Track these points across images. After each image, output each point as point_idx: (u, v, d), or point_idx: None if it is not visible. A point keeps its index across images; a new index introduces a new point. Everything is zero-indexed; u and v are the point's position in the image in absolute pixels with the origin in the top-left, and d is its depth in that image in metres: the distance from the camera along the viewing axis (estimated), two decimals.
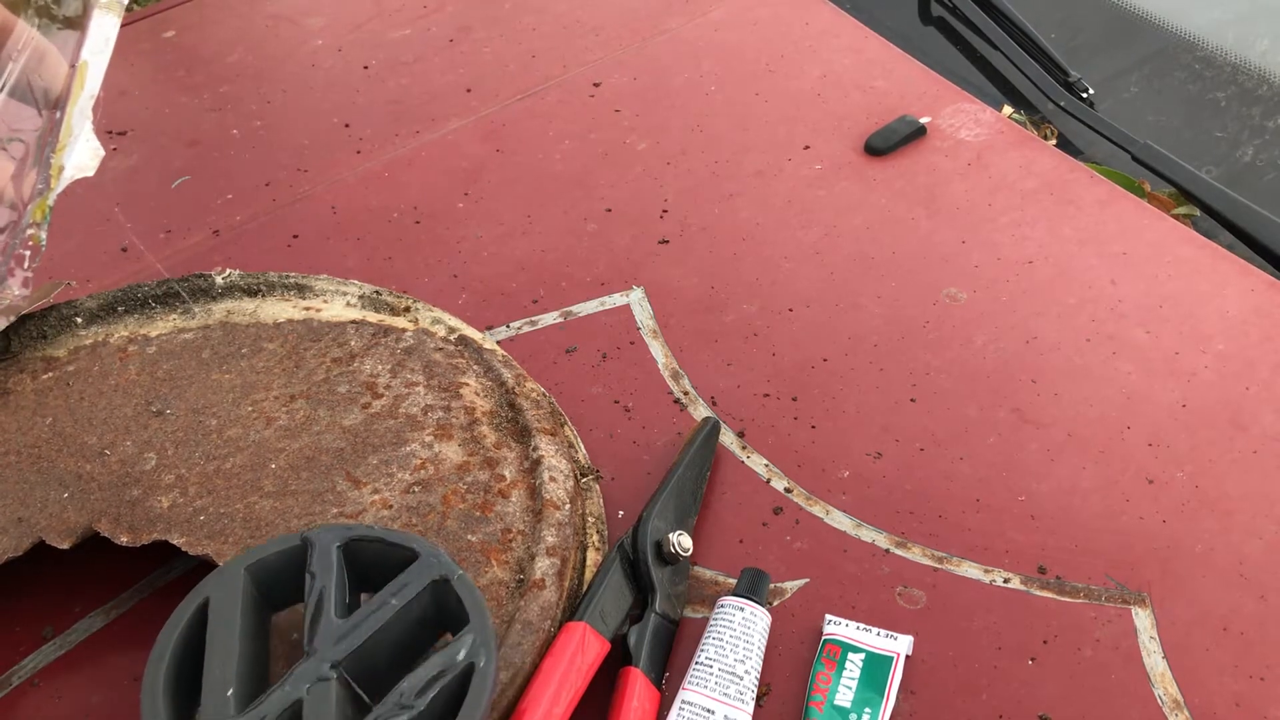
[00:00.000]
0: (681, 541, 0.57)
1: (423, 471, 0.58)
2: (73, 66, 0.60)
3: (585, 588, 0.56)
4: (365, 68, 0.95)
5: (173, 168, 0.86)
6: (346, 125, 0.89)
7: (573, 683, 0.50)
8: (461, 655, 0.45)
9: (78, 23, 0.61)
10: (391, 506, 0.56)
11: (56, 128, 0.60)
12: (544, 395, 0.63)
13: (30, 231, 0.61)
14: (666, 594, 0.56)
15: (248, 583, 0.48)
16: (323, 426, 0.60)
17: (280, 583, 0.49)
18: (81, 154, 0.62)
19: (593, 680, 0.52)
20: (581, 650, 0.52)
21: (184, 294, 0.68)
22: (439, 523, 0.55)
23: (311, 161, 0.86)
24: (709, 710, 0.51)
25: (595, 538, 0.59)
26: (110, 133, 0.90)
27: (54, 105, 0.60)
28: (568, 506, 0.56)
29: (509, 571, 0.54)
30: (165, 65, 0.97)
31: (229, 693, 0.44)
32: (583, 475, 0.62)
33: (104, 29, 0.61)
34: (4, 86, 0.58)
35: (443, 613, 0.48)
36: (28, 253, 0.61)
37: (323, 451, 0.59)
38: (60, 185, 0.61)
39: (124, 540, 0.55)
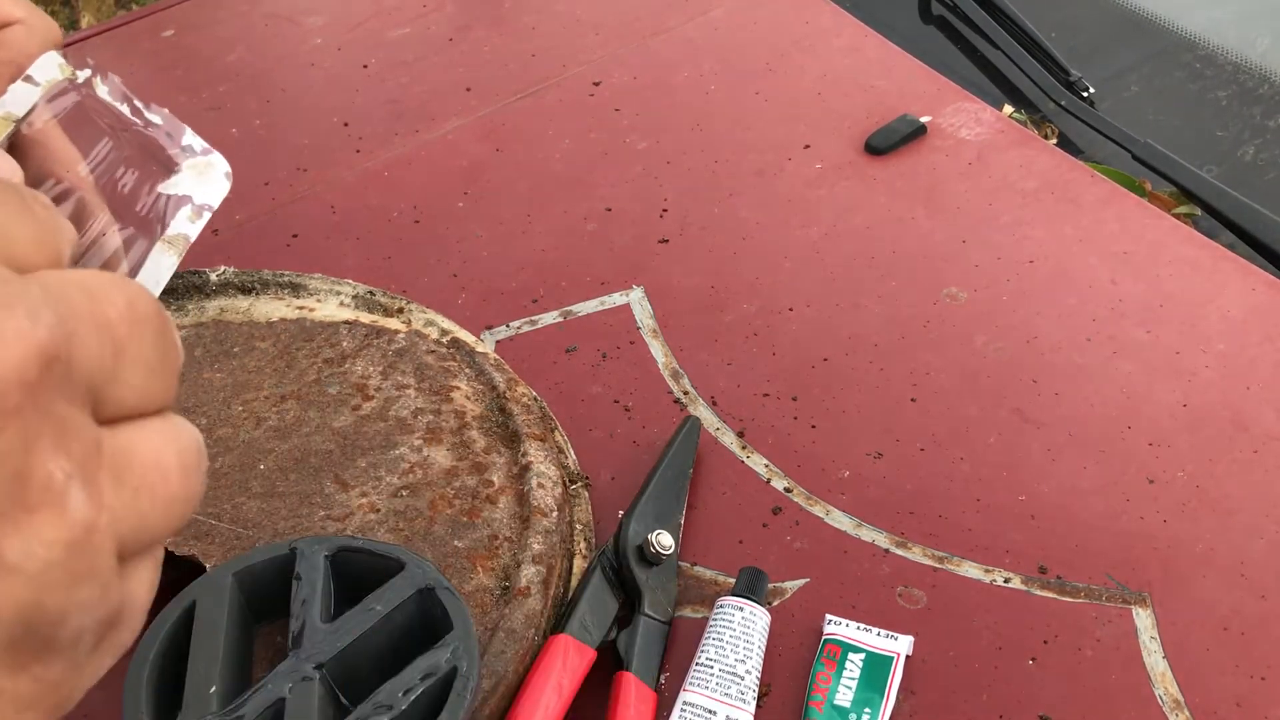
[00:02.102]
0: (661, 540, 0.56)
1: (411, 475, 0.57)
2: None
3: (570, 596, 0.55)
4: (364, 67, 0.95)
5: None
6: (346, 125, 0.89)
7: (557, 697, 0.50)
8: (444, 660, 0.44)
9: (150, 231, 0.56)
10: (379, 510, 0.55)
11: None
12: (535, 400, 0.62)
13: None
14: (654, 595, 0.55)
15: (234, 589, 0.48)
16: (312, 428, 0.59)
17: (267, 591, 0.49)
18: None
19: (588, 689, 0.51)
20: (564, 663, 0.51)
21: (177, 289, 0.67)
22: (426, 528, 0.55)
23: (311, 161, 0.85)
24: (710, 711, 0.51)
25: (583, 545, 0.59)
26: None
27: None
28: (555, 514, 0.56)
29: (494, 579, 0.53)
30: (165, 65, 0.97)
31: (211, 690, 0.44)
32: (572, 482, 0.61)
33: (158, 270, 0.57)
34: None
35: (428, 623, 0.48)
36: None
37: (312, 453, 0.58)
38: None
39: None
